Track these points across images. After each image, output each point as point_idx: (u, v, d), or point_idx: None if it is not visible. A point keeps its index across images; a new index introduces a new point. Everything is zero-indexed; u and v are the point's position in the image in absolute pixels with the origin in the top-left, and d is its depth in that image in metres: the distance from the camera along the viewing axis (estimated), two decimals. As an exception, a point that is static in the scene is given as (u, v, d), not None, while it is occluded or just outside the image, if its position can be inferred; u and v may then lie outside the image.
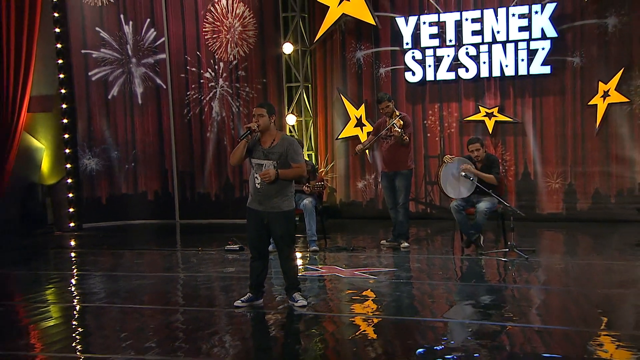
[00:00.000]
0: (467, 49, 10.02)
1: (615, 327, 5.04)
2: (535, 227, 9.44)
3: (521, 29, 9.73)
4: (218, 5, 11.15)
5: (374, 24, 10.49)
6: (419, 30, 10.28)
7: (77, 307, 6.24)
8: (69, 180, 11.03)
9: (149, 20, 11.50)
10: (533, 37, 9.68)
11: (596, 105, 9.56)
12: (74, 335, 5.36)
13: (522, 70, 9.78)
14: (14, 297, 6.79)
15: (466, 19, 10.02)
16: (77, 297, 6.64)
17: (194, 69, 11.40)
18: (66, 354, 4.77)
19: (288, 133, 10.72)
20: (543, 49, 9.63)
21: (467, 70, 10.06)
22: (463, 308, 5.70)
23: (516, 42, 9.76)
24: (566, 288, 6.24)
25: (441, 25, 10.20)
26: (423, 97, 10.52)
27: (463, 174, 7.49)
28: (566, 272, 6.89)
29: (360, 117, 10.80)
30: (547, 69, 9.67)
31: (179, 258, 8.56)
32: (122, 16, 11.42)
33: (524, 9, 9.72)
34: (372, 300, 6.00)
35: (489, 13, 9.89)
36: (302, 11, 11.05)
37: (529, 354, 4.46)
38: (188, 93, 11.47)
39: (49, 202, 11.01)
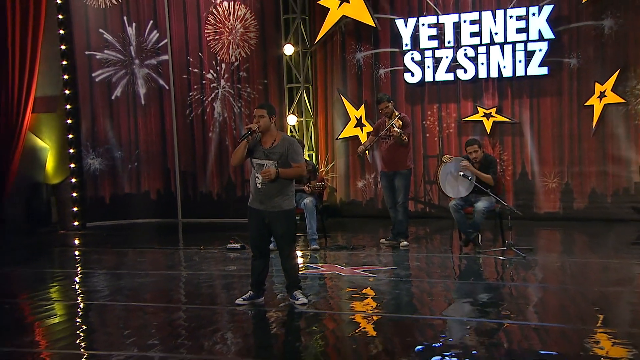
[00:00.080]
0: (465, 50, 10.07)
1: (611, 325, 5.04)
2: (533, 226, 9.47)
3: (519, 30, 9.78)
4: (220, 7, 11.21)
5: (374, 25, 10.55)
6: (418, 31, 10.34)
7: (81, 305, 6.26)
8: (73, 180, 11.09)
9: (151, 22, 11.54)
10: (530, 38, 9.73)
11: (593, 106, 9.62)
12: (78, 332, 5.38)
13: (520, 72, 9.83)
14: (19, 294, 6.81)
15: (464, 21, 10.07)
16: (81, 295, 6.68)
17: (196, 70, 11.47)
18: (70, 350, 4.78)
19: (289, 133, 10.78)
20: (540, 50, 9.69)
21: (465, 71, 10.12)
22: (461, 306, 5.72)
23: (514, 43, 9.81)
24: (563, 286, 6.26)
25: (440, 26, 10.25)
26: (422, 98, 10.57)
27: (461, 173, 7.55)
28: (563, 271, 6.91)
29: (360, 117, 10.87)
30: (544, 70, 9.72)
31: (181, 256, 8.59)
32: (125, 18, 11.47)
33: (522, 11, 9.77)
34: (371, 298, 6.03)
35: (487, 15, 9.94)
36: (302, 13, 11.10)
37: (526, 351, 4.48)
38: (190, 94, 11.54)
39: (53, 201, 11.08)
